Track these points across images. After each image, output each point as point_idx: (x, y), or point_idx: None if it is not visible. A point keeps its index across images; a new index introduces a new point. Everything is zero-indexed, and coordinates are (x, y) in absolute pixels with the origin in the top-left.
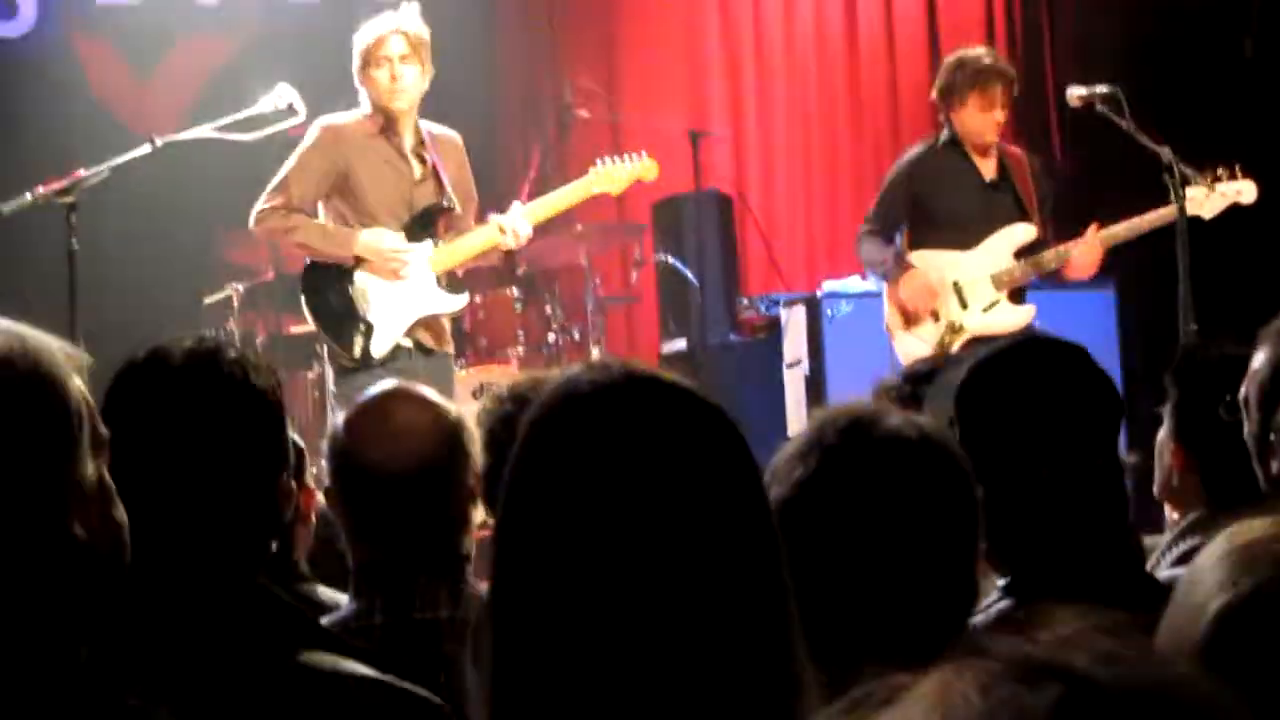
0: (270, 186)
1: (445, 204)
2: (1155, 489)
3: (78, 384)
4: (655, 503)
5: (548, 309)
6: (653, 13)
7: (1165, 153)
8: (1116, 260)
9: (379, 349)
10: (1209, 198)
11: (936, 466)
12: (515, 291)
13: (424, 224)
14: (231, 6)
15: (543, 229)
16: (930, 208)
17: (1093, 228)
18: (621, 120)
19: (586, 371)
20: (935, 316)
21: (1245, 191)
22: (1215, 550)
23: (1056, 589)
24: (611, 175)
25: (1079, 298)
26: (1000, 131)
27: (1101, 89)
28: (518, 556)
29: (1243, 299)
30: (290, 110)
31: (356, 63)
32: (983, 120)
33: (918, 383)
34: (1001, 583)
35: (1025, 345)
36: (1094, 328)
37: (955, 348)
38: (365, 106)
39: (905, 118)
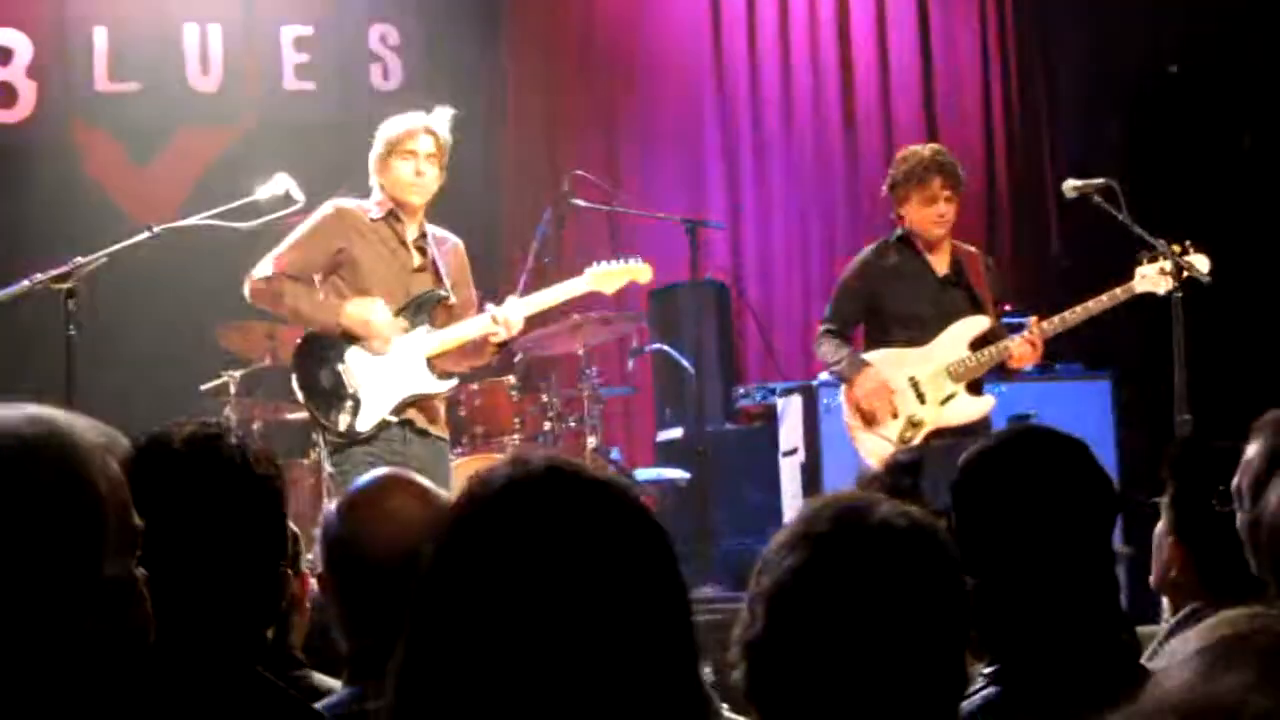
0: (271, 253)
1: (442, 293)
2: (1152, 581)
3: (112, 474)
4: (562, 598)
5: (544, 397)
6: (652, 104)
7: (1161, 245)
8: (1114, 350)
9: (365, 424)
10: (1161, 274)
11: (927, 555)
12: (512, 379)
13: (419, 309)
14: (230, 95)
15: (539, 318)
16: (884, 305)
17: (1032, 320)
18: (619, 210)
19: (504, 465)
20: (894, 413)
21: (1198, 264)
22: (1193, 642)
23: (1045, 677)
24: (605, 276)
25: (1075, 387)
26: (948, 225)
27: (1097, 181)
28: (426, 648)
29: (1237, 387)
30: (287, 198)
31: (378, 149)
32: (924, 214)
33: (899, 474)
34: (988, 670)
35: (1024, 437)
36: (1090, 416)
37: (916, 441)
38: (376, 194)
39: None
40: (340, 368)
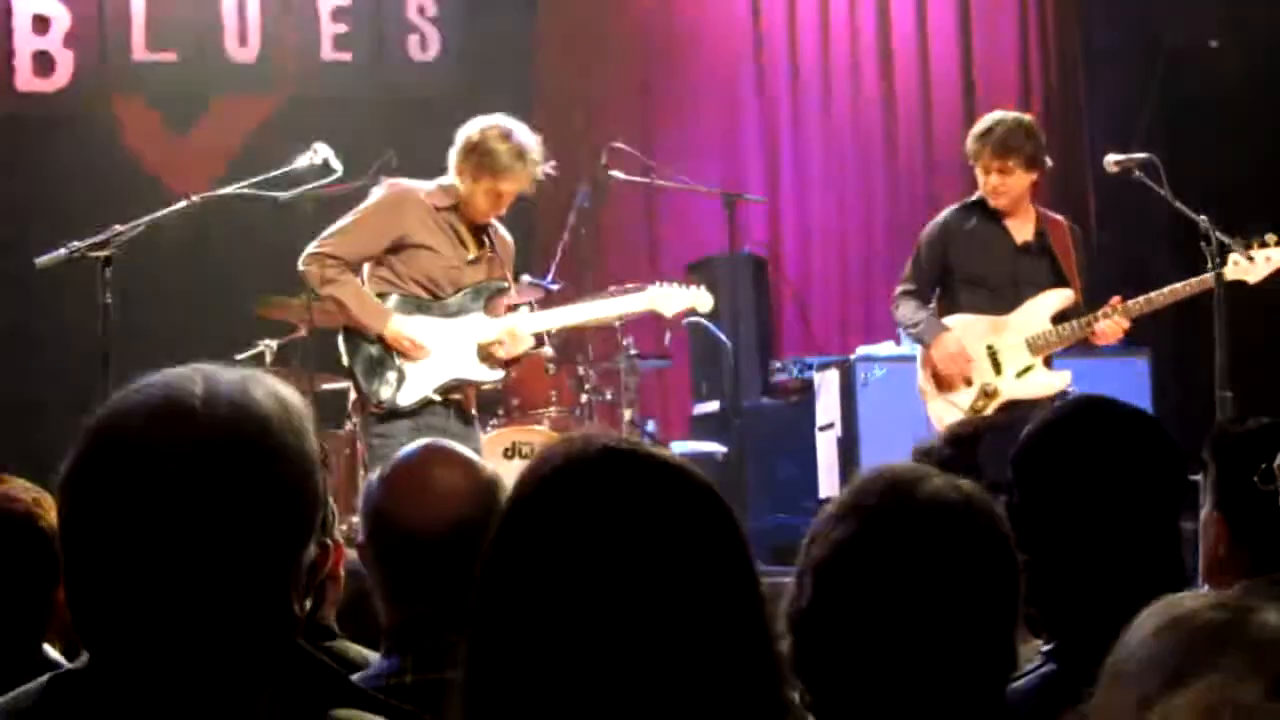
0: (327, 233)
1: (504, 284)
2: (1201, 569)
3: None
4: (632, 580)
5: (580, 370)
6: (690, 77)
7: (1202, 221)
8: (1151, 328)
9: (406, 399)
10: (1254, 264)
11: (978, 530)
12: (548, 352)
13: (476, 296)
14: (268, 65)
15: (577, 292)
16: (959, 268)
17: (1116, 300)
18: (657, 183)
19: (563, 446)
20: (968, 381)
21: None
22: (1147, 625)
23: (1106, 655)
24: (667, 298)
25: (1113, 364)
26: (1008, 198)
27: (1139, 156)
28: (492, 634)
29: (1277, 363)
30: (325, 168)
31: (474, 159)
32: (987, 185)
33: (957, 445)
34: (1045, 647)
35: (1090, 409)
36: (1128, 395)
37: (988, 412)
38: (446, 181)
39: (940, 183)
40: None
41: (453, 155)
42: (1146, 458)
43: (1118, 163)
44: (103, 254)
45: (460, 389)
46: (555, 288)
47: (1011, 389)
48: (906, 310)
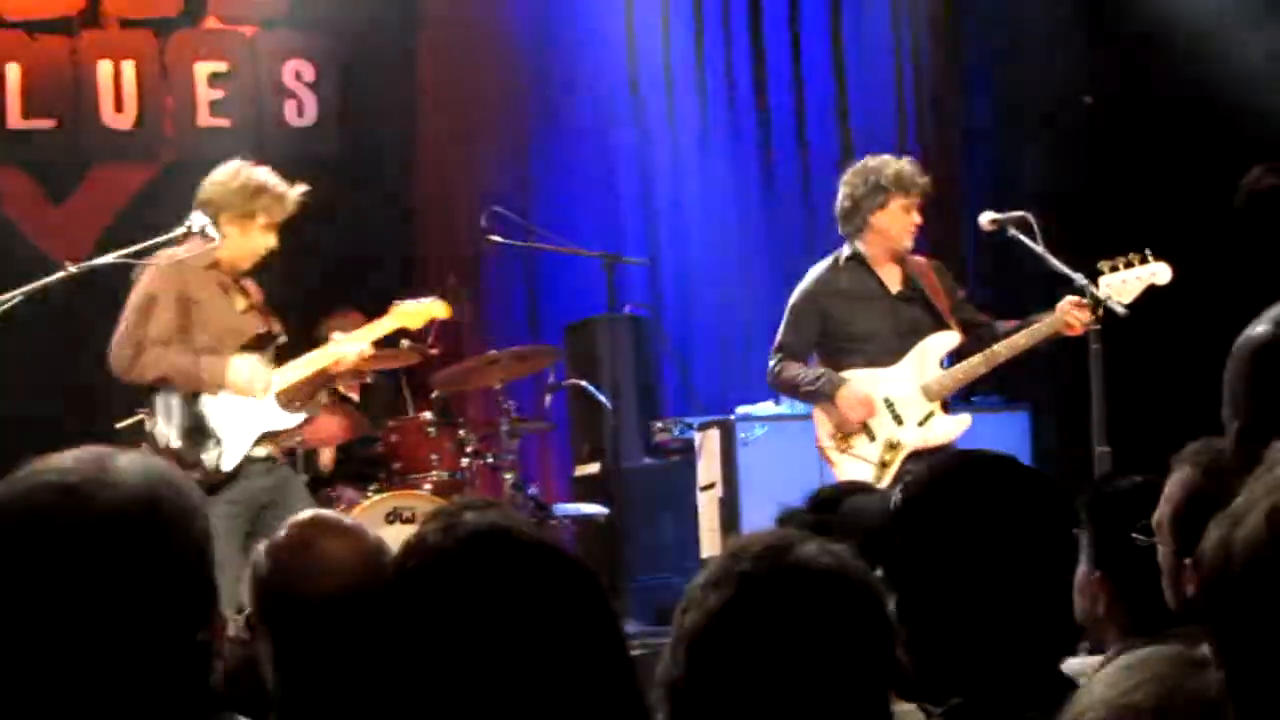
0: (123, 328)
1: (282, 337)
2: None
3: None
4: (506, 664)
5: (461, 433)
6: (569, 138)
7: (1078, 278)
8: (1032, 383)
9: (229, 462)
10: (1124, 284)
11: (851, 594)
12: (428, 416)
13: (256, 348)
14: (145, 132)
15: (456, 355)
16: (838, 325)
17: (1008, 323)
18: (537, 246)
19: (432, 531)
20: (871, 435)
21: (1159, 273)
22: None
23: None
24: (408, 315)
25: (994, 419)
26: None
27: (1014, 214)
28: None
29: (1154, 418)
30: (203, 235)
31: (245, 205)
32: (903, 222)
33: (823, 510)
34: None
35: (967, 463)
36: (1008, 449)
37: (895, 465)
38: (194, 248)
39: (820, 244)
40: (198, 407)
41: (218, 212)
42: (1028, 512)
43: (993, 220)
44: None
45: (270, 440)
46: (434, 352)
47: (916, 439)
48: (795, 371)
